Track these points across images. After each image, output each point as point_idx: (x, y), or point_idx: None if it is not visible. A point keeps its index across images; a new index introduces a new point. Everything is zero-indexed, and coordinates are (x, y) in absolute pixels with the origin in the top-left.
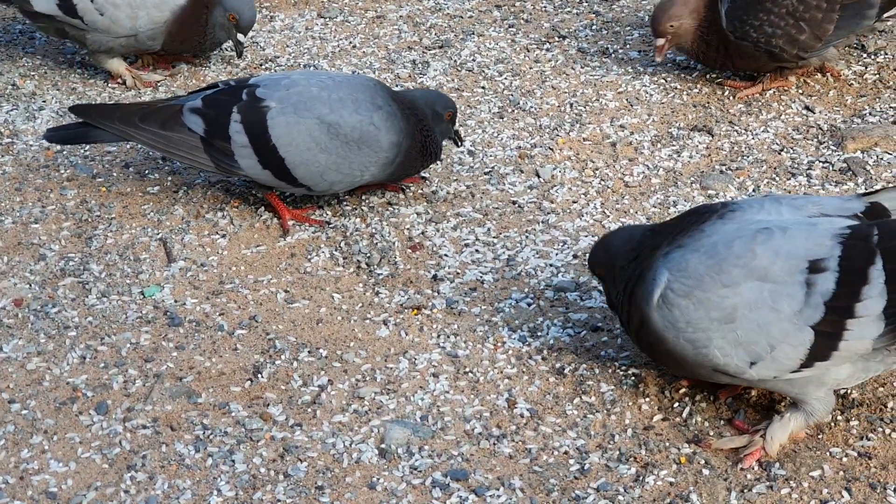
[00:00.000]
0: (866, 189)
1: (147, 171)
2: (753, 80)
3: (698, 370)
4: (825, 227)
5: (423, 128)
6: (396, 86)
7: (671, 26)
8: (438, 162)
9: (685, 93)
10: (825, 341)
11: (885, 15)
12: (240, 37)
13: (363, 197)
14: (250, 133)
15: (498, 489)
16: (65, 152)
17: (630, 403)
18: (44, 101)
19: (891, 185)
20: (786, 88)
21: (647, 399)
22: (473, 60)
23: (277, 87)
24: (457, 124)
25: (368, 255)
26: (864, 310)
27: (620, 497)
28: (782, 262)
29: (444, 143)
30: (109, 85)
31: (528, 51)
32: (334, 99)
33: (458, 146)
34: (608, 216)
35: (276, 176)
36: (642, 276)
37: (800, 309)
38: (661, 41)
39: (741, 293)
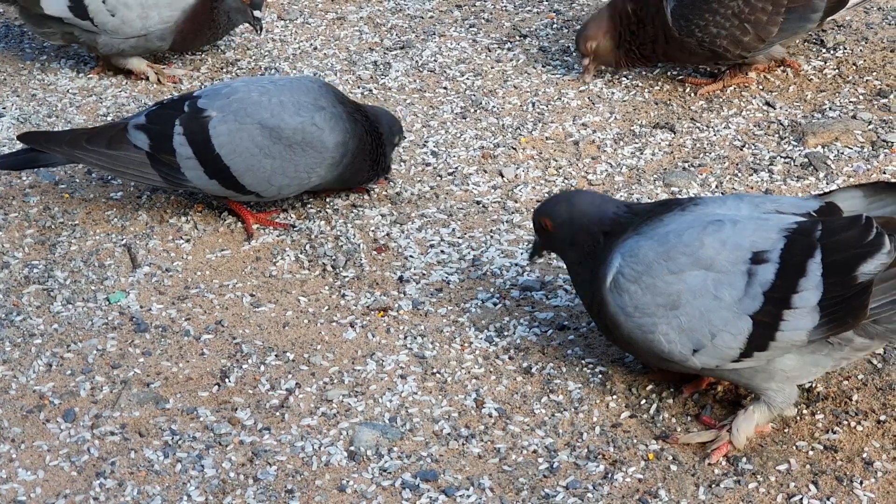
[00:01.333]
0: (827, 183)
1: (110, 177)
2: (714, 77)
3: (649, 357)
4: (774, 221)
5: (375, 135)
6: (358, 87)
7: (590, 46)
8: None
9: (647, 90)
10: (763, 331)
11: (829, 18)
12: (256, 13)
13: (327, 199)
14: (193, 144)
15: (468, 489)
16: None
17: (598, 401)
18: (3, 108)
19: (846, 184)
20: (746, 84)
21: (615, 397)
22: (435, 61)
23: (218, 96)
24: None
25: (334, 257)
26: (800, 301)
27: (590, 495)
28: (727, 253)
29: None
30: (70, 91)
31: (490, 50)
32: (275, 103)
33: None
34: None
35: (223, 185)
36: (604, 258)
37: (740, 298)
38: (585, 60)
39: (686, 280)
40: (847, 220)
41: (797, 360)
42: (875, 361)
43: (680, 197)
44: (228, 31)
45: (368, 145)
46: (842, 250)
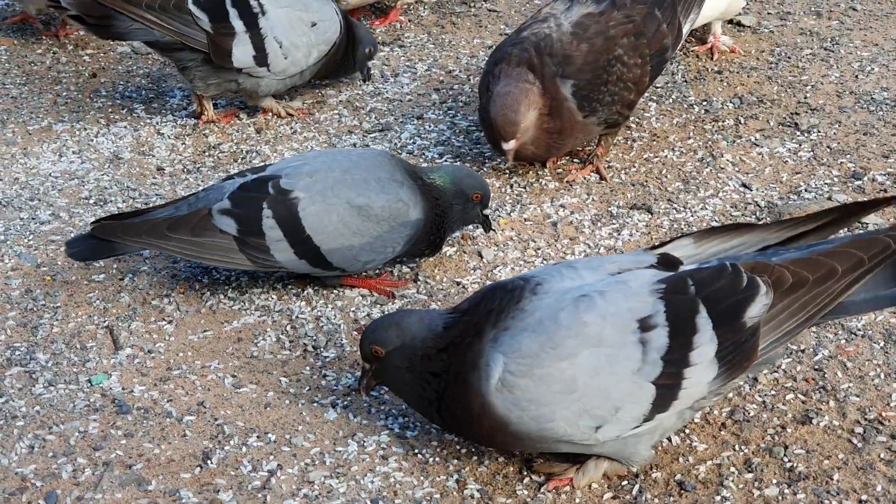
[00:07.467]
0: None
1: (90, 262)
2: (582, 164)
3: (541, 444)
4: (638, 282)
5: (436, 206)
6: None
7: (519, 132)
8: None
9: (623, 172)
10: (666, 392)
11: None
12: (369, 64)
13: (308, 279)
14: (283, 227)
15: None
16: (8, 242)
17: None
18: None
19: (677, 236)
20: (720, 167)
21: None
22: (413, 143)
23: (301, 176)
24: (488, 209)
25: (315, 338)
26: (698, 357)
27: None
28: (612, 325)
29: (468, 227)
30: (52, 175)
31: (468, 133)
32: (358, 180)
33: (486, 231)
34: None
35: (311, 264)
36: (473, 363)
37: (638, 368)
38: (511, 143)
39: (579, 363)
40: (712, 270)
41: (676, 417)
42: (855, 441)
43: (509, 280)
44: (347, 74)
45: (430, 219)
46: (723, 300)
